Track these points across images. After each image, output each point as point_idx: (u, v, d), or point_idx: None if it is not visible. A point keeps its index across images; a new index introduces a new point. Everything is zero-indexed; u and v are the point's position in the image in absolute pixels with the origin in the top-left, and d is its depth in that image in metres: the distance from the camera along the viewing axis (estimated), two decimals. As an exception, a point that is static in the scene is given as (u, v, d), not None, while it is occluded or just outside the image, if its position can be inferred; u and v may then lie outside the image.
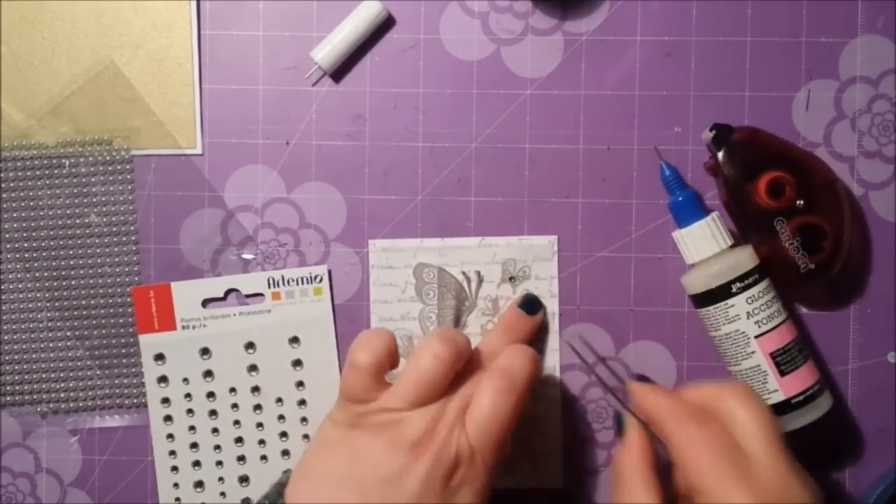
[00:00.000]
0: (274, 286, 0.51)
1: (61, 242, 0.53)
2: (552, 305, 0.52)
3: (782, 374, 0.48)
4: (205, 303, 0.52)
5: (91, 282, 0.52)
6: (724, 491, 0.40)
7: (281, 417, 0.52)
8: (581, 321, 0.52)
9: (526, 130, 0.52)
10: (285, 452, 0.52)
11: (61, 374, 0.53)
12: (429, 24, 0.52)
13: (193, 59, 0.52)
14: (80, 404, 0.53)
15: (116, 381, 0.53)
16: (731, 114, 0.52)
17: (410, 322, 0.52)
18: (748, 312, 0.47)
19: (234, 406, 0.52)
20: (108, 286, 0.52)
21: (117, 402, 0.53)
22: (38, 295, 0.53)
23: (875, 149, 0.52)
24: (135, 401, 0.53)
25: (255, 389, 0.52)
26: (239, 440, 0.52)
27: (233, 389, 0.52)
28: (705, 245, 0.48)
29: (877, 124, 0.52)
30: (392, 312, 0.52)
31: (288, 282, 0.51)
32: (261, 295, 0.52)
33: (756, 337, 0.48)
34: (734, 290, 0.47)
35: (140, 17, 0.52)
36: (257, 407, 0.52)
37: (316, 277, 0.51)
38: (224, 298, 0.52)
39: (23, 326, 0.53)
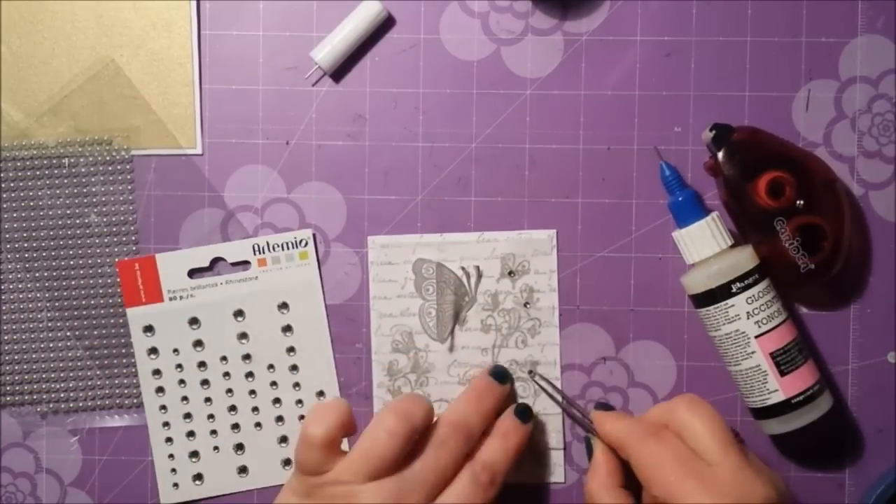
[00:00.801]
0: (259, 252, 0.51)
1: (61, 242, 0.53)
2: (552, 300, 0.52)
3: (782, 374, 0.48)
4: (191, 273, 0.52)
5: (91, 282, 0.52)
6: (687, 497, 0.41)
7: (273, 384, 0.52)
8: (581, 321, 0.52)
9: (526, 130, 0.52)
10: (279, 419, 0.52)
11: (61, 374, 0.53)
12: (429, 24, 0.52)
13: (193, 59, 0.52)
14: (80, 404, 0.53)
15: (116, 381, 0.53)
16: (731, 114, 0.52)
17: (410, 318, 0.52)
18: (748, 312, 0.47)
19: (226, 374, 0.52)
20: (108, 286, 0.52)
21: (117, 402, 0.53)
22: (38, 295, 0.53)
23: (875, 149, 0.52)
24: (134, 401, 0.53)
25: (247, 357, 0.52)
26: (232, 408, 0.52)
27: (224, 358, 0.52)
28: (705, 245, 0.48)
29: (877, 124, 0.52)
30: (392, 308, 0.52)
31: (273, 248, 0.51)
32: (247, 263, 0.52)
33: (756, 337, 0.48)
34: (734, 290, 0.47)
35: (140, 17, 0.52)
36: (249, 374, 0.52)
37: (301, 242, 0.51)
38: (210, 268, 0.52)
39: (23, 326, 0.53)
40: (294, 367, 0.52)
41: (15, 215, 0.53)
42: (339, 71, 0.52)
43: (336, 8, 0.52)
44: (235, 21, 0.52)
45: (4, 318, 0.52)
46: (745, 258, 0.48)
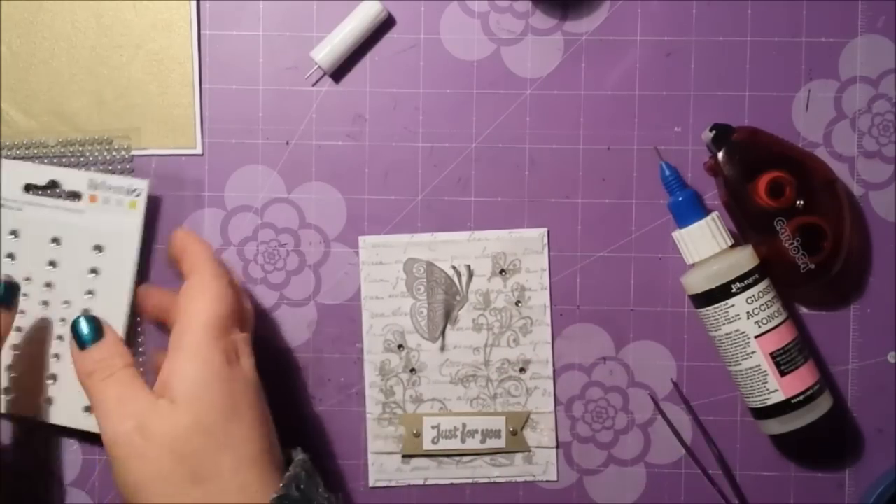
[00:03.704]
0: (93, 188, 0.51)
1: (60, 242, 0.52)
2: (543, 298, 0.52)
3: (782, 374, 0.48)
4: (28, 188, 0.51)
5: (91, 282, 0.52)
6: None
7: (63, 320, 0.51)
8: (581, 321, 0.52)
9: (526, 130, 0.52)
10: (56, 356, 0.51)
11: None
12: (429, 24, 0.52)
13: (193, 59, 0.52)
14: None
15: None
16: (731, 114, 0.52)
17: (402, 318, 0.52)
18: (748, 312, 0.47)
19: (25, 295, 0.50)
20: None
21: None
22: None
23: (875, 149, 0.52)
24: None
25: (49, 285, 0.51)
26: (17, 329, 0.51)
27: (28, 279, 0.51)
28: (705, 245, 0.48)
29: (877, 124, 0.52)
30: (383, 308, 0.52)
31: (109, 187, 0.51)
32: (78, 195, 0.51)
33: (756, 337, 0.48)
34: (734, 290, 0.47)
35: (140, 17, 0.52)
36: (45, 302, 0.51)
37: (134, 191, 0.50)
38: (46, 189, 0.51)
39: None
40: (86, 311, 0.50)
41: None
42: (339, 71, 0.52)
43: (336, 8, 0.52)
44: (235, 21, 0.52)
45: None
46: (745, 258, 0.48)
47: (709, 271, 0.48)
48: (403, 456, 0.52)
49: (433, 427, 0.52)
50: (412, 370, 0.52)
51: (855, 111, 0.52)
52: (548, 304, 0.52)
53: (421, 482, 0.52)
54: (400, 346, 0.52)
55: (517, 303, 0.52)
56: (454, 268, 0.51)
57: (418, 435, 0.52)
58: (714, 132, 0.49)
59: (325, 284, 0.52)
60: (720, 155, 0.49)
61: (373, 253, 0.52)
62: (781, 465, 0.52)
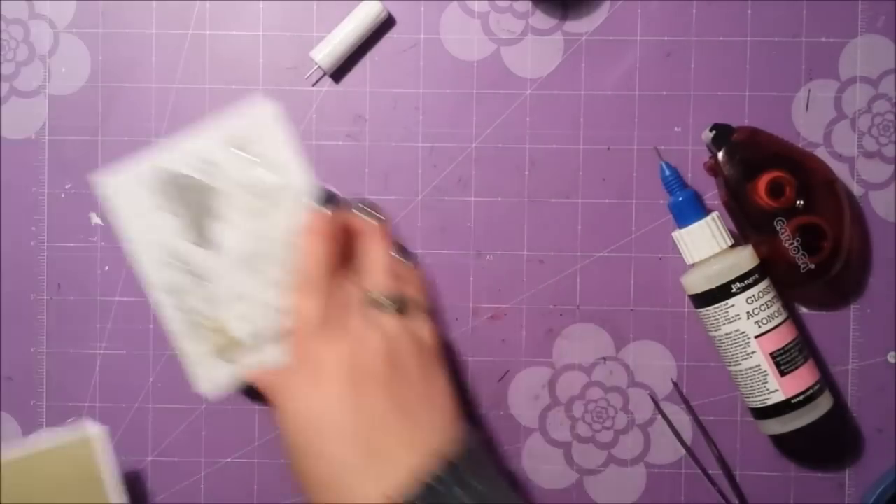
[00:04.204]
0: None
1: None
2: (294, 165, 0.50)
3: (782, 374, 0.48)
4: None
5: (90, 281, 0.52)
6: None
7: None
8: (581, 321, 0.52)
9: (526, 130, 0.52)
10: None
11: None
12: (429, 24, 0.52)
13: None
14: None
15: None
16: (731, 114, 0.52)
17: (171, 237, 0.50)
18: (748, 312, 0.47)
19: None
20: (107, 286, 0.52)
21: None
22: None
23: (875, 149, 0.52)
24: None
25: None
26: None
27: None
28: (705, 245, 0.48)
29: (877, 124, 0.52)
30: (151, 237, 0.50)
31: None
32: None
33: (756, 337, 0.48)
34: (734, 290, 0.47)
35: (140, 17, 0.52)
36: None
37: None
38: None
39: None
40: None
41: (14, 215, 0.53)
42: (339, 71, 0.52)
43: (336, 8, 0.52)
44: (235, 21, 0.52)
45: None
46: (745, 258, 0.48)
47: (708, 271, 0.48)
48: (223, 358, 0.50)
49: (241, 321, 0.50)
50: (200, 279, 0.50)
51: (855, 111, 0.52)
52: (302, 168, 0.50)
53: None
54: (180, 261, 0.50)
55: (274, 178, 0.50)
56: (199, 169, 0.49)
57: (228, 334, 0.50)
58: (714, 132, 0.49)
59: (325, 284, 0.52)
60: (720, 155, 0.49)
61: (121, 183, 0.49)
62: (781, 465, 0.52)
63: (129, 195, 0.49)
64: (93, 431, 0.48)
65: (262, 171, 0.50)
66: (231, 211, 0.50)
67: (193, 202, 0.50)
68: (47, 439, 0.48)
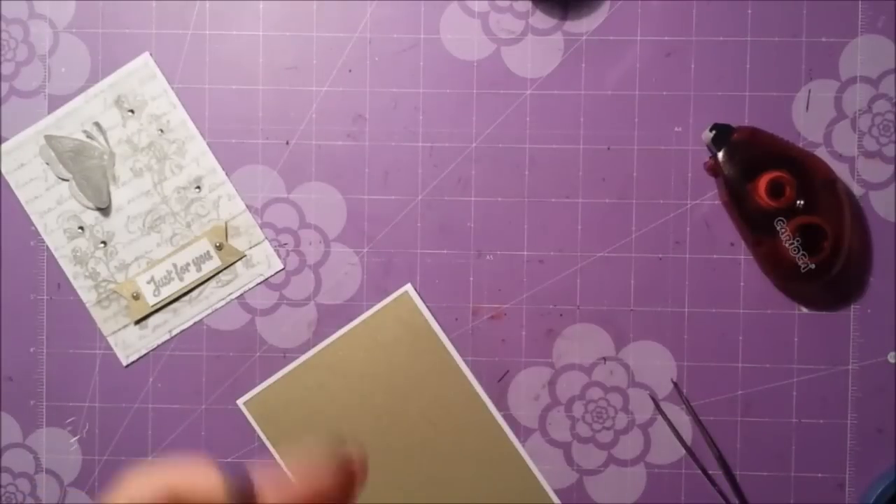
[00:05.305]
0: None
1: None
2: (180, 115, 0.51)
3: None
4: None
5: (90, 281, 0.52)
6: None
7: None
8: (581, 321, 0.52)
9: (526, 130, 0.52)
10: None
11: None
12: (429, 24, 0.52)
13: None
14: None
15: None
16: (731, 114, 0.52)
17: (68, 202, 0.52)
18: None
19: None
20: (107, 286, 0.52)
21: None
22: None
23: (875, 149, 0.52)
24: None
25: None
26: None
27: None
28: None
29: (877, 124, 0.52)
30: (48, 203, 0.52)
31: None
32: None
33: None
34: None
35: (140, 17, 0.52)
36: None
37: None
38: None
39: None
40: None
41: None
42: (339, 70, 0.52)
43: (336, 8, 0.52)
44: (235, 21, 0.52)
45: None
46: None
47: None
48: (136, 322, 0.52)
49: (148, 282, 0.52)
50: (103, 243, 0.52)
51: (855, 111, 0.52)
52: (186, 117, 0.51)
53: (168, 336, 0.52)
54: (80, 228, 0.52)
55: (160, 131, 0.51)
56: (85, 132, 0.51)
57: (138, 297, 0.52)
58: (714, 132, 0.49)
59: (326, 284, 0.52)
60: (720, 155, 0.49)
61: (12, 159, 0.52)
62: (781, 465, 0.52)
63: (23, 168, 0.50)
64: (406, 287, 0.52)
65: (147, 124, 0.50)
66: (123, 170, 0.51)
67: (86, 166, 0.50)
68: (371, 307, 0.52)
